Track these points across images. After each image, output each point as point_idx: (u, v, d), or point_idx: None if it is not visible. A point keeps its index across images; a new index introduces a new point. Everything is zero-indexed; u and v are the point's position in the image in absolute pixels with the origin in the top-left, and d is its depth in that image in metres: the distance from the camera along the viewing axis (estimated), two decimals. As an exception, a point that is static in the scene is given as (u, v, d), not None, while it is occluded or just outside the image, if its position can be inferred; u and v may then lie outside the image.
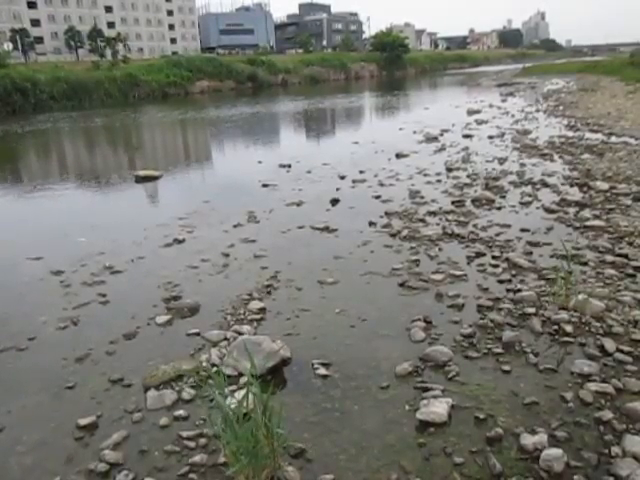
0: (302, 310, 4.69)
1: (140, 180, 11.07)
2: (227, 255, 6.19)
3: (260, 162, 12.29)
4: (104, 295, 5.24)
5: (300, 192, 9.08)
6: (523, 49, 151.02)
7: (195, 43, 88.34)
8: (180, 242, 6.81)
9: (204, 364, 3.83)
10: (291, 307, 4.75)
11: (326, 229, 6.96)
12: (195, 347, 4.13)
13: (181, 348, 4.13)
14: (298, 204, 8.33)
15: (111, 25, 75.57)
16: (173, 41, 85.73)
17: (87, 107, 35.46)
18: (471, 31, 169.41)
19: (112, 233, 7.35)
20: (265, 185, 9.72)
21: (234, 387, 3.45)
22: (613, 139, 12.36)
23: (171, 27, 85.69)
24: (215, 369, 3.71)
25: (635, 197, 7.51)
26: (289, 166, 11.36)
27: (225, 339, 4.18)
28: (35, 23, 68.03)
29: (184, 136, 21.46)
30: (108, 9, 77.10)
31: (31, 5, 68.05)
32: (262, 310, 4.69)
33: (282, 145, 17.09)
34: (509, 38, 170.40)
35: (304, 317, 4.57)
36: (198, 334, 4.33)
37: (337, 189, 9.06)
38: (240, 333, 4.22)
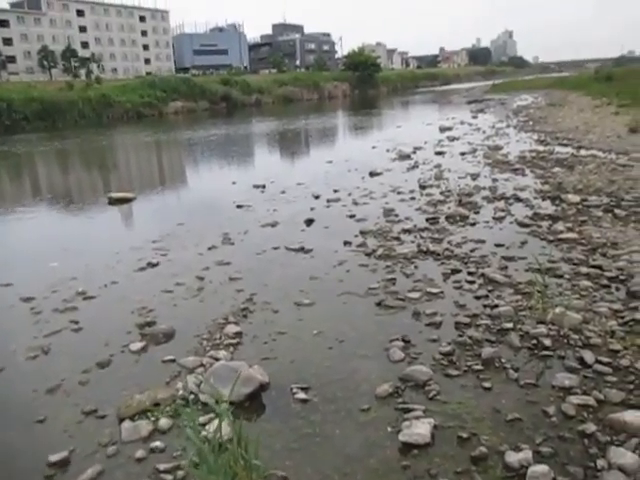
0: (279, 333, 4.62)
1: (114, 202, 10.91)
2: (202, 278, 6.10)
3: (234, 183, 12.23)
4: (76, 322, 5.10)
5: (275, 213, 9.04)
6: (492, 66, 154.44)
7: (169, 63, 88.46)
8: (154, 266, 6.69)
9: (180, 392, 3.73)
10: (268, 330, 4.68)
11: (301, 250, 6.92)
12: (171, 374, 4.02)
13: (156, 376, 4.02)
14: (273, 225, 8.28)
15: (85, 45, 75.27)
16: (147, 61, 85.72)
17: (60, 128, 35.00)
18: (441, 49, 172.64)
19: (85, 257, 7.20)
20: (240, 206, 9.66)
21: (211, 415, 3.36)
22: (582, 152, 12.63)
23: (145, 47, 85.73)
24: (192, 397, 3.63)
25: (606, 208, 7.65)
26: (263, 186, 11.33)
27: (201, 365, 4.08)
28: (7, 42, 67.29)
29: (158, 157, 21.30)
30: (82, 29, 76.83)
31: (3, 24, 67.34)
32: (238, 334, 4.61)
33: (256, 165, 17.08)
34: (478, 56, 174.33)
35: (281, 340, 4.51)
36: (174, 361, 4.23)
37: (312, 209, 9.05)
38: (216, 359, 4.13)
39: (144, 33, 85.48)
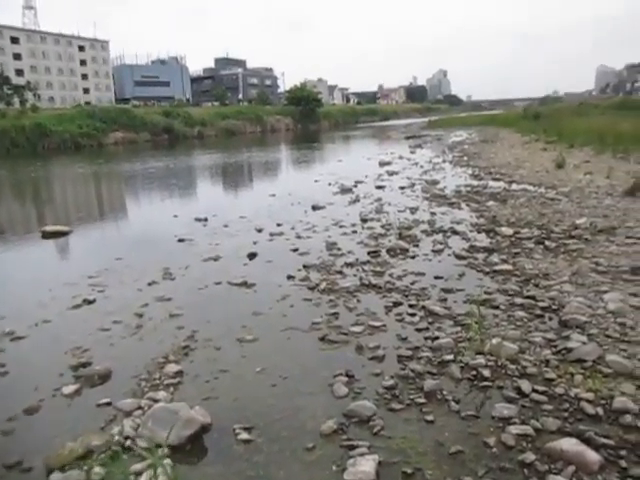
0: (221, 371, 4.52)
1: (48, 236, 10.47)
2: (141, 315, 5.90)
3: (176, 216, 12.03)
4: (3, 365, 4.80)
5: (217, 246, 8.93)
6: (428, 104, 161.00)
7: (109, 94, 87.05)
8: (90, 303, 6.43)
9: (116, 437, 3.55)
10: (209, 368, 4.57)
11: (244, 284, 6.84)
12: (106, 419, 3.83)
13: (90, 421, 3.82)
14: (215, 259, 8.17)
15: (20, 73, 72.99)
16: (86, 91, 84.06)
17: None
18: (380, 87, 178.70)
19: (14, 295, 6.85)
20: (181, 240, 9.49)
21: (149, 462, 3.21)
22: (514, 187, 13.24)
23: (84, 77, 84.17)
24: (128, 442, 3.46)
25: (537, 240, 8.01)
26: (205, 220, 11.20)
27: (139, 408, 3.91)
28: None
29: (97, 189, 20.71)
30: (17, 56, 74.65)
31: None
32: (179, 373, 4.47)
33: (199, 198, 16.90)
34: (415, 93, 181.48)
35: (223, 378, 4.40)
36: (109, 404, 4.04)
37: (254, 243, 9.00)
38: (155, 400, 3.98)
39: (83, 62, 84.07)
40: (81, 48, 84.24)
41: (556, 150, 19.34)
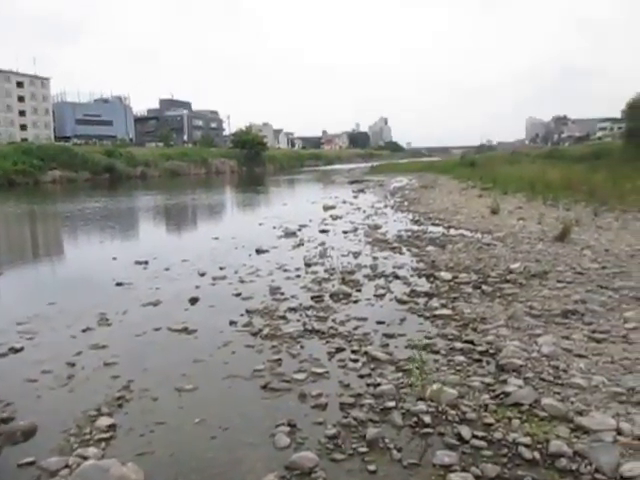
0: (158, 423, 4.32)
1: (-27, 281, 9.89)
2: (73, 364, 5.61)
3: (115, 259, 11.67)
4: None
5: (157, 291, 8.69)
6: (370, 149, 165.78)
7: (48, 131, 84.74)
8: (17, 351, 6.06)
9: (39, 501, 3.30)
10: (145, 421, 4.36)
11: (185, 330, 6.66)
12: (29, 480, 3.57)
13: (11, 483, 3.55)
14: (155, 304, 7.93)
15: (-49, 107, 70.14)
16: (23, 127, 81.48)
17: None
18: (324, 132, 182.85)
19: None
20: (119, 284, 9.18)
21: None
22: (452, 232, 13.68)
23: (22, 113, 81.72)
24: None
25: (475, 285, 8.25)
26: (146, 263, 10.91)
27: (66, 467, 3.66)
28: None
29: (31, 230, 19.87)
30: (-51, 91, 71.84)
31: None
32: (112, 427, 4.24)
33: (140, 240, 16.51)
34: (358, 139, 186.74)
35: (160, 431, 4.21)
36: (33, 463, 3.76)
37: (197, 287, 8.82)
38: (85, 457, 3.74)
39: (21, 99, 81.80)
40: (20, 84, 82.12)
41: (491, 196, 20.24)
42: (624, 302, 6.82)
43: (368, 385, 4.88)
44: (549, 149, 72.65)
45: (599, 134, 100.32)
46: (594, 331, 5.85)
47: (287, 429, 4.13)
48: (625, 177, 19.49)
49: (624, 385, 4.47)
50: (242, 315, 7.18)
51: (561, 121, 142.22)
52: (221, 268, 10.18)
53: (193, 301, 8.03)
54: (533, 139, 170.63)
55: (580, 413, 4.09)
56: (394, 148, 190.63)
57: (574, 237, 11.33)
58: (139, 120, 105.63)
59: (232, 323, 6.87)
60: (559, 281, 8.03)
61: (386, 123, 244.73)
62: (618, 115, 50.50)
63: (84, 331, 6.73)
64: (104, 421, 4.31)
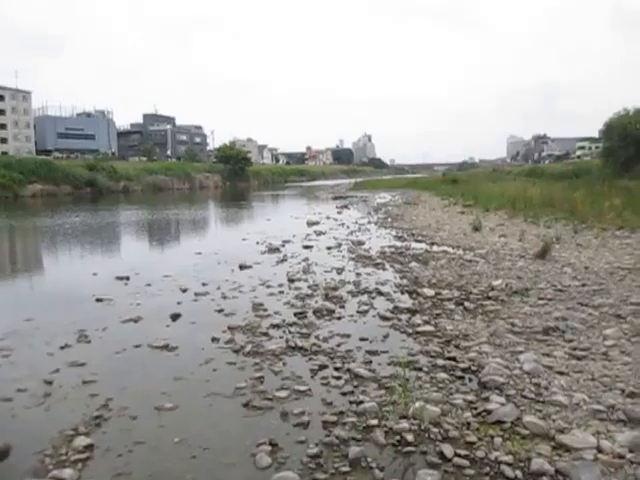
0: (136, 443, 4.24)
1: (-53, 297, 9.67)
2: (50, 383, 5.49)
3: (95, 274, 11.50)
4: None
5: (138, 307, 8.57)
6: (354, 166, 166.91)
7: (29, 144, 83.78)
8: (-8, 369, 5.93)
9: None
10: (123, 440, 4.27)
11: (165, 347, 6.57)
12: (2, 503, 3.47)
13: (-17, 506, 3.45)
14: (135, 320, 7.82)
15: None
16: (4, 141, 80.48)
17: None
18: (308, 148, 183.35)
19: None
20: (99, 299, 9.04)
21: None
22: (435, 248, 13.77)
23: (2, 127, 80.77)
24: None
25: (457, 302, 8.29)
26: (127, 278, 10.78)
27: (41, 489, 3.58)
28: None
29: (9, 244, 19.53)
30: None
31: None
32: (89, 447, 4.15)
33: (121, 255, 16.32)
34: (342, 156, 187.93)
35: (138, 451, 4.13)
36: (7, 486, 3.67)
37: (178, 303, 8.73)
38: (60, 479, 3.65)
39: (2, 112, 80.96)
40: (0, 97, 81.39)
41: (473, 213, 20.47)
42: (604, 319, 6.91)
43: (351, 403, 4.86)
44: (530, 167, 73.93)
45: (578, 153, 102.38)
46: (575, 348, 5.91)
47: (268, 448, 4.08)
48: (603, 195, 19.86)
49: (604, 403, 4.50)
50: (224, 332, 7.11)
51: (541, 140, 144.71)
52: (203, 284, 10.10)
53: (175, 317, 7.94)
54: (514, 157, 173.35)
55: (561, 431, 4.11)
56: (378, 165, 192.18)
57: (555, 254, 11.48)
58: (122, 134, 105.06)
59: (214, 340, 6.80)
60: (540, 298, 8.11)
61: (370, 140, 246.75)
62: (596, 135, 51.62)
63: (62, 348, 6.61)
64: (81, 441, 4.22)
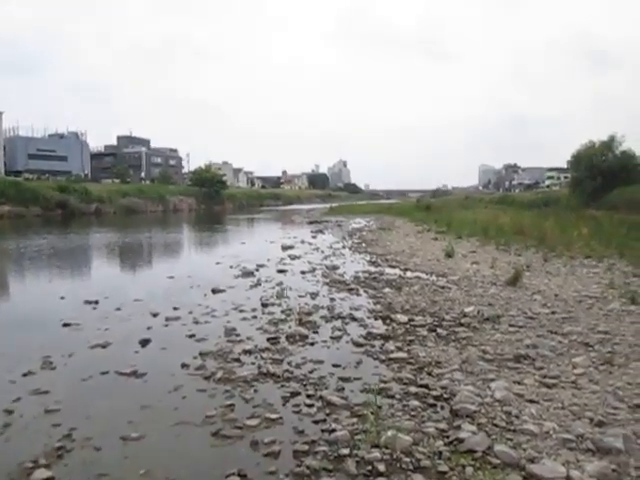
0: (100, 475, 4.09)
1: None
2: (10, 412, 5.28)
3: (63, 298, 11.22)
4: None
5: (107, 332, 8.37)
6: (330, 191, 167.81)
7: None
8: (-50, 398, 5.68)
9: None
10: (86, 473, 4.12)
11: (134, 374, 6.40)
12: (-47, 541, 3.29)
13: None
14: (103, 346, 7.62)
15: None
16: (-29, 161, 78.79)
17: None
18: (284, 172, 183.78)
19: None
20: (67, 324, 8.80)
21: None
22: (408, 274, 13.84)
23: (-29, 147, 79.15)
24: None
25: (430, 328, 8.31)
26: (96, 302, 10.54)
27: (-3, 525, 3.41)
28: None
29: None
30: None
31: None
32: (49, 480, 3.99)
33: (91, 279, 15.97)
34: (317, 180, 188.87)
35: (102, 484, 3.98)
36: (-40, 522, 3.49)
37: (148, 328, 8.56)
38: (18, 514, 3.49)
39: (-30, 132, 79.51)
40: (-31, 118, 79.98)
41: (446, 240, 20.71)
42: (573, 347, 7.00)
43: (323, 431, 4.79)
44: (501, 195, 75.53)
45: (547, 182, 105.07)
46: (545, 376, 5.96)
47: (237, 479, 3.98)
48: (572, 225, 20.35)
49: (573, 432, 4.53)
50: (195, 357, 6.98)
51: (512, 169, 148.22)
52: (175, 308, 9.94)
53: (144, 343, 7.77)
54: (486, 185, 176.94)
55: (532, 460, 4.11)
56: (353, 190, 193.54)
57: (525, 282, 11.66)
58: (96, 156, 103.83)
59: (184, 366, 6.66)
60: (511, 325, 8.19)
61: (345, 165, 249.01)
62: (564, 165, 53.12)
63: (25, 375, 6.38)
64: (41, 474, 4.06)
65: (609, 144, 39.40)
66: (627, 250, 15.33)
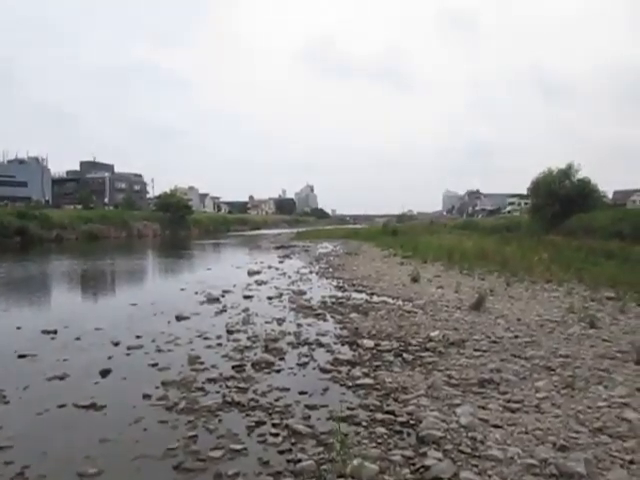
0: (54, 515, 3.91)
1: None
2: (-41, 449, 5.03)
3: (19, 328, 10.79)
4: None
5: (65, 363, 8.07)
6: (297, 216, 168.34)
7: (-48, 192, 79.73)
8: None
9: None
10: (40, 513, 3.93)
11: (92, 406, 6.18)
12: None
13: None
14: (61, 377, 7.34)
15: None
16: None
17: None
18: (251, 197, 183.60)
19: None
20: (22, 355, 8.46)
21: None
22: (375, 299, 13.87)
23: None
24: None
25: (396, 353, 8.32)
26: (55, 332, 10.18)
27: None
28: None
29: None
30: None
31: None
32: (-1, 522, 3.79)
33: (50, 308, 15.44)
34: (284, 205, 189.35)
35: (56, 524, 3.80)
36: None
37: (109, 357, 8.31)
38: None
39: None
40: None
41: (412, 264, 20.91)
42: (535, 371, 7.10)
43: (288, 462, 4.71)
44: (464, 221, 77.11)
45: (508, 208, 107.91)
46: (509, 400, 6.02)
47: (199, 515, 3.86)
48: (532, 250, 20.86)
49: (537, 457, 4.56)
50: (157, 387, 6.80)
51: (474, 195, 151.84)
52: (137, 336, 9.70)
53: (104, 373, 7.54)
54: (449, 210, 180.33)
55: (497, 486, 4.11)
56: (320, 215, 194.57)
57: (489, 306, 11.83)
58: (57, 182, 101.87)
59: (146, 397, 6.48)
60: (476, 349, 8.27)
61: (312, 190, 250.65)
62: (524, 191, 54.65)
63: (-24, 410, 6.10)
64: (-9, 515, 3.85)
65: (567, 172, 40.83)
66: (585, 274, 15.79)
